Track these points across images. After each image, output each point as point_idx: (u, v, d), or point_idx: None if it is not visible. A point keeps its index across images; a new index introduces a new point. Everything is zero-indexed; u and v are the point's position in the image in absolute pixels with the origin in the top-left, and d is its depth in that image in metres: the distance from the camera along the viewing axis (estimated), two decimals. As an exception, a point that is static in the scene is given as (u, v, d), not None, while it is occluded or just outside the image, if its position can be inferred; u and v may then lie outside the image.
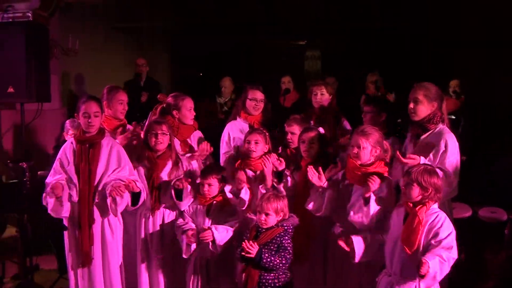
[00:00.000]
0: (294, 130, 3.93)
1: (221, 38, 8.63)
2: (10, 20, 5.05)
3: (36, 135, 5.96)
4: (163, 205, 3.80)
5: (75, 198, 3.60)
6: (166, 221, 3.82)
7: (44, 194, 3.59)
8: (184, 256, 3.64)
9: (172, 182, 3.72)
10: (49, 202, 3.55)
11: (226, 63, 8.28)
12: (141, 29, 8.33)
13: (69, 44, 6.09)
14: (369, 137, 3.35)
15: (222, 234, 3.52)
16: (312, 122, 4.26)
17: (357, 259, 3.22)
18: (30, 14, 5.06)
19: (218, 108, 6.52)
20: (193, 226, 3.67)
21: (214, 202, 3.67)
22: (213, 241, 3.51)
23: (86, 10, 7.11)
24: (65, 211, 3.60)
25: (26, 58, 4.92)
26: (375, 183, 3.25)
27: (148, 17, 8.14)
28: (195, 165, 3.95)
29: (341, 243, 3.23)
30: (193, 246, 3.60)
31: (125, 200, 3.62)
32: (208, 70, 7.06)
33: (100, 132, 3.69)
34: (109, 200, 3.58)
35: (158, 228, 3.81)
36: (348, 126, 4.39)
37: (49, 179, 3.63)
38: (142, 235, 3.82)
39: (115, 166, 3.66)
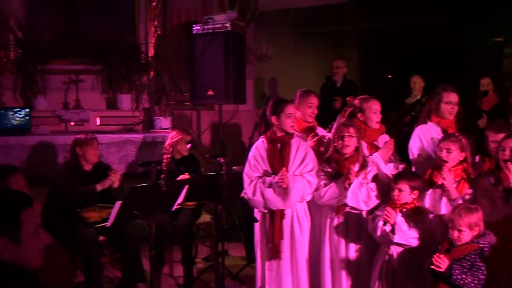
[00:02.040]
0: (498, 139, 3.57)
1: (411, 38, 8.38)
2: (211, 31, 5.58)
3: (231, 133, 6.40)
4: (348, 206, 3.79)
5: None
6: (351, 222, 3.81)
7: (251, 187, 3.82)
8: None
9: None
10: (267, 192, 3.76)
11: (417, 64, 8.00)
12: (331, 33, 8.46)
13: (263, 50, 6.49)
14: None
15: (404, 225, 3.40)
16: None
17: None
18: (228, 25, 5.51)
19: (404, 111, 6.32)
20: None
21: (404, 210, 3.51)
22: (393, 228, 3.40)
23: (278, 17, 7.48)
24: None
25: (225, 64, 5.38)
26: None
27: (338, 21, 8.25)
28: (386, 169, 3.90)
29: None
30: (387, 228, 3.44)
31: (297, 192, 3.74)
32: (398, 72, 6.90)
33: (289, 132, 3.87)
34: (277, 191, 3.73)
35: (343, 229, 3.81)
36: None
37: (250, 173, 3.87)
38: (327, 235, 3.86)
39: (299, 163, 3.82)
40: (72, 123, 5.88)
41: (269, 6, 6.97)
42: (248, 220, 4.40)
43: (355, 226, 3.80)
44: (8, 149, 5.39)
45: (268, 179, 3.79)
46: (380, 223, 3.48)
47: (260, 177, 3.84)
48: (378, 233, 3.50)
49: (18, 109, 5.71)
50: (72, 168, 4.57)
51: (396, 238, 3.42)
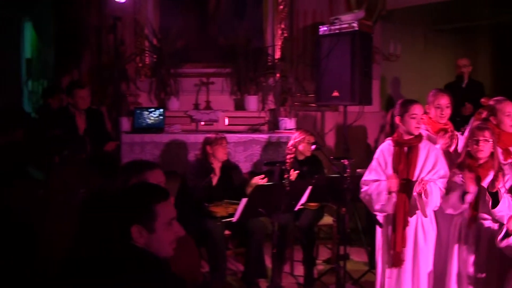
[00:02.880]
0: None
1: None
2: (337, 31, 5.54)
3: (356, 135, 6.29)
4: (481, 216, 3.53)
5: (393, 199, 3.66)
6: (484, 234, 3.53)
7: (363, 191, 3.75)
8: None
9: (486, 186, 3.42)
10: (376, 199, 3.65)
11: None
12: (464, 29, 7.99)
13: (391, 49, 6.31)
14: None
15: None
16: None
17: None
18: (355, 24, 5.43)
19: None
20: None
21: None
22: None
23: (406, 15, 7.22)
24: (391, 208, 3.68)
25: (351, 65, 5.32)
26: None
27: (470, 16, 7.77)
28: None
29: None
30: None
31: (433, 200, 3.54)
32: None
33: (417, 135, 3.70)
34: (416, 197, 3.55)
35: (473, 241, 3.55)
36: None
37: (366, 177, 3.77)
38: (456, 247, 3.62)
39: (430, 168, 3.63)
40: (203, 123, 6.18)
41: (397, 4, 6.76)
42: (371, 225, 4.29)
43: (487, 239, 3.51)
44: (143, 145, 5.83)
45: (382, 183, 3.66)
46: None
47: (376, 180, 3.72)
48: None
49: (153, 109, 6.12)
50: (201, 166, 4.79)
51: None
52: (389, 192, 3.61)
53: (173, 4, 6.49)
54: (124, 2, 5.82)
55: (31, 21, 10.11)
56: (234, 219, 4.10)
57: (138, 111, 6.07)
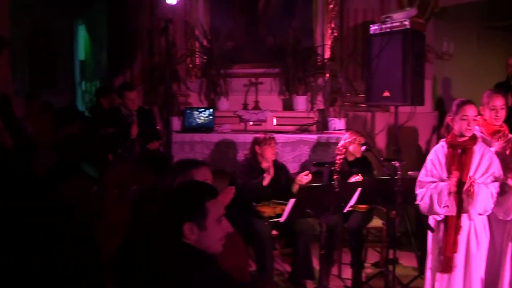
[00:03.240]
0: None
1: None
2: (388, 30, 5.44)
3: (407, 136, 6.14)
4: None
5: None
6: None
7: (421, 192, 3.64)
8: None
9: None
10: (435, 198, 3.54)
11: None
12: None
13: (444, 48, 6.14)
14: None
15: None
16: None
17: None
18: (407, 23, 5.31)
19: None
20: None
21: None
22: None
23: (460, 12, 7.02)
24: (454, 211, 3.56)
25: (403, 64, 5.20)
26: None
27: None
28: None
29: None
30: None
31: (480, 203, 3.42)
32: None
33: (472, 137, 3.59)
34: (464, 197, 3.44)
35: None
36: None
37: (424, 178, 3.66)
38: (509, 255, 3.52)
39: (483, 171, 3.52)
40: (251, 123, 6.21)
41: (450, 0, 6.56)
42: (422, 229, 4.18)
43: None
44: (193, 144, 5.94)
45: (441, 184, 3.56)
46: None
47: (433, 181, 3.61)
48: None
49: (203, 109, 6.21)
50: (250, 165, 4.82)
51: None
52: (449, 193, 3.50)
53: (223, 5, 6.57)
54: (175, 5, 5.92)
55: (85, 24, 10.45)
56: (281, 219, 4.10)
57: (188, 111, 6.16)
